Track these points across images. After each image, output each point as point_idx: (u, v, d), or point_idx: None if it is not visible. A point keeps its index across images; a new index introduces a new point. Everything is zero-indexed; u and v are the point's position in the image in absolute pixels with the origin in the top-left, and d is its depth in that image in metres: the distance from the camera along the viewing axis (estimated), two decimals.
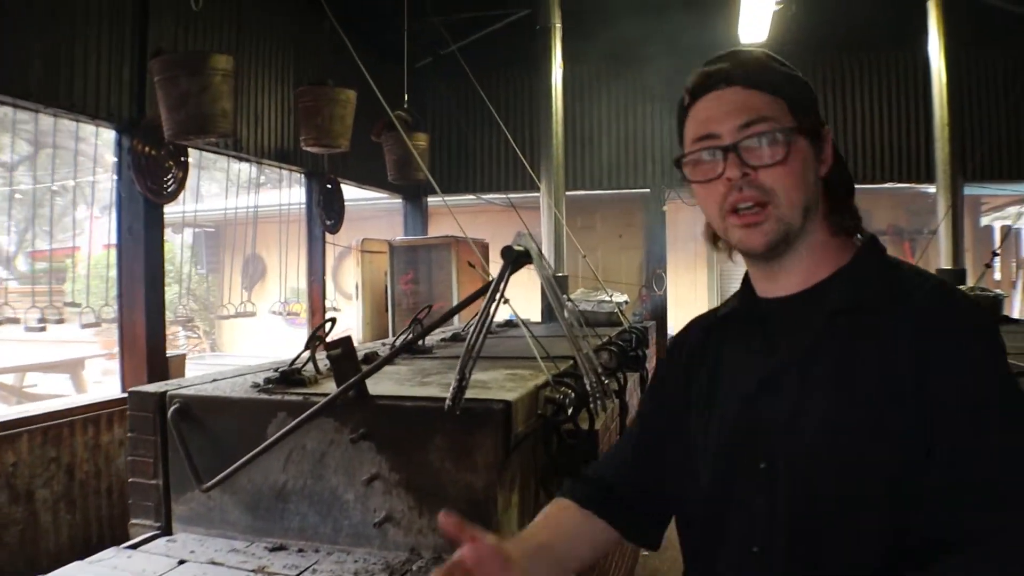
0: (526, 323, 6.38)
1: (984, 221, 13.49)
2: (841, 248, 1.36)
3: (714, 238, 1.43)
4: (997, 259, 8.28)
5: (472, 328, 2.47)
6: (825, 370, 1.25)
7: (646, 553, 5.22)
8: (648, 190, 8.96)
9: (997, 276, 10.74)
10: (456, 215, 9.85)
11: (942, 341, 1.17)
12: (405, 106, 6.32)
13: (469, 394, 2.80)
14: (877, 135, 8.66)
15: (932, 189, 9.42)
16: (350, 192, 8.05)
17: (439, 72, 8.34)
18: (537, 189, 7.08)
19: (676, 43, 8.32)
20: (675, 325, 10.28)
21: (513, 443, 2.71)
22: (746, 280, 1.47)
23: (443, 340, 5.16)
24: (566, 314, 2.74)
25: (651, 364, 6.84)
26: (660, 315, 8.89)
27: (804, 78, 1.38)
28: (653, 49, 8.31)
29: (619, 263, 10.07)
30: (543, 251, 6.91)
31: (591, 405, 2.77)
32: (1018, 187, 9.70)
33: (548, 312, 6.81)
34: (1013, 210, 11.04)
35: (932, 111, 6.95)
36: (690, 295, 12.72)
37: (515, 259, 2.42)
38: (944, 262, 6.89)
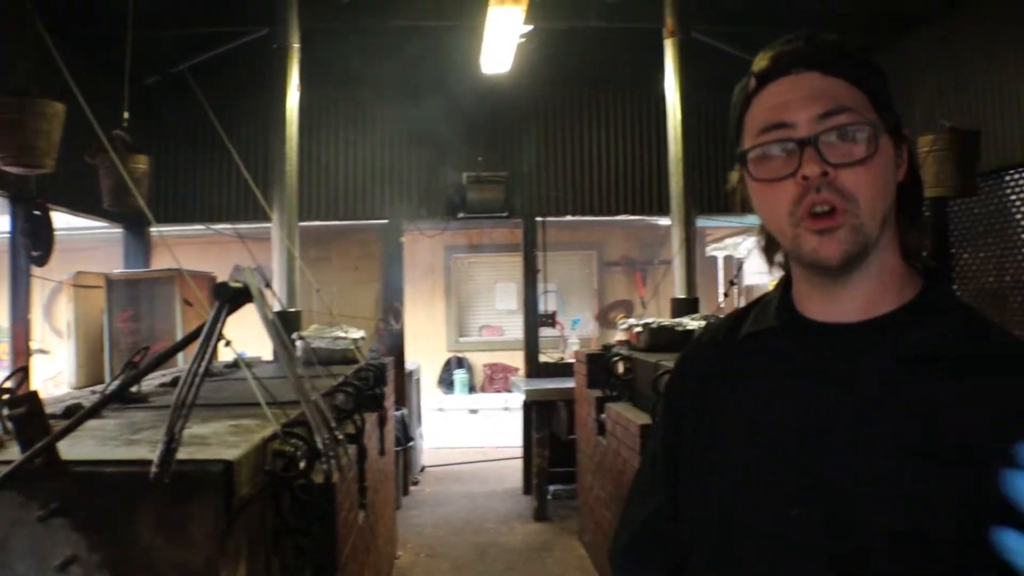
0: (250, 364, 5.98)
1: (708, 252, 14.46)
2: (908, 276, 1.17)
3: (768, 248, 1.25)
4: (733, 288, 8.77)
5: (184, 377, 2.14)
6: (891, 423, 1.06)
7: None
8: (386, 221, 8.75)
9: (721, 302, 11.45)
10: (185, 246, 9.22)
11: None
12: (124, 125, 5.74)
13: (183, 454, 2.46)
14: (614, 169, 8.96)
15: (664, 221, 9.94)
16: (64, 220, 7.28)
17: (171, 92, 7.74)
18: (270, 219, 6.69)
19: (417, 72, 8.26)
20: (413, 359, 10.14)
21: (236, 508, 2.39)
22: (785, 295, 1.25)
23: (162, 385, 4.69)
24: (294, 357, 2.46)
25: (389, 402, 6.65)
26: (398, 350, 8.68)
27: (885, 72, 1.19)
28: (394, 77, 8.18)
29: (355, 297, 9.81)
30: (274, 285, 6.55)
31: (324, 464, 2.50)
32: (739, 220, 10.39)
33: (280, 346, 6.42)
34: (730, 241, 11.89)
35: (667, 147, 7.23)
36: (428, 328, 12.67)
37: (232, 297, 2.12)
38: (678, 291, 7.18)
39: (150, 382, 4.82)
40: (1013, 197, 6.03)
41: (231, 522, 2.34)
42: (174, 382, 4.73)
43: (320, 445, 2.44)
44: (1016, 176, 5.97)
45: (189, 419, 2.96)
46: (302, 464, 2.72)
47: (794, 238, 1.11)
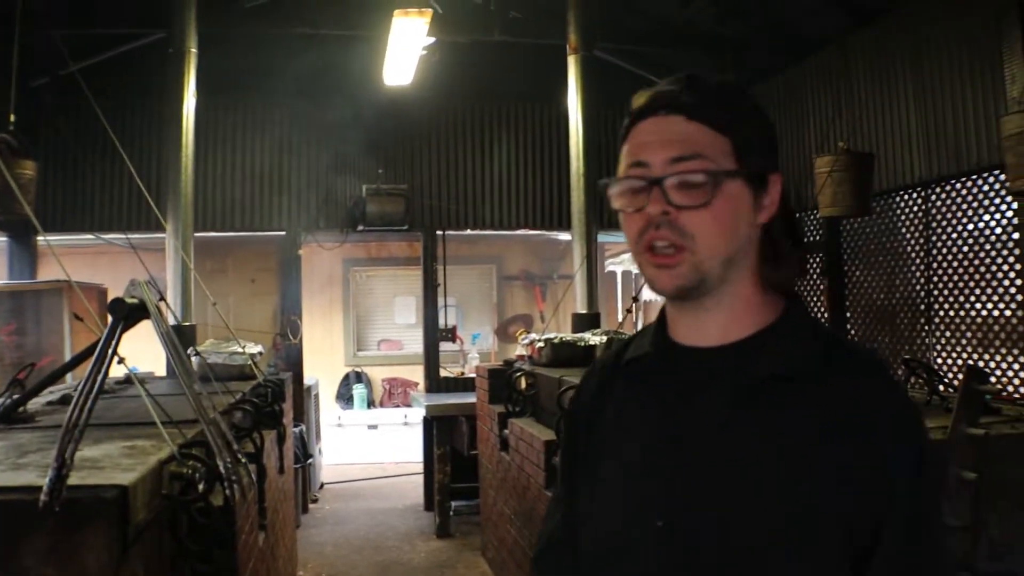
0: (144, 380, 5.76)
1: (607, 267, 14.61)
2: (765, 305, 1.26)
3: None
4: (636, 303, 8.86)
5: (76, 398, 2.02)
6: (743, 441, 1.17)
7: None
8: (283, 232, 8.57)
9: (621, 318, 11.57)
10: (75, 256, 8.83)
11: (882, 438, 1.13)
12: (10, 128, 5.47)
13: (74, 479, 2.33)
14: (516, 183, 8.98)
15: (563, 236, 9.99)
16: None
17: (63, 95, 7.42)
18: (164, 229, 6.46)
19: (319, 82, 8.13)
20: (311, 374, 9.95)
21: (133, 535, 2.28)
22: (661, 320, 1.35)
23: (50, 404, 4.45)
24: (192, 375, 2.36)
25: (288, 418, 6.48)
26: (296, 365, 8.49)
27: (767, 118, 1.27)
28: (294, 86, 8.03)
29: (253, 310, 9.57)
30: (168, 298, 6.32)
31: (225, 487, 2.40)
32: None
33: (175, 362, 6.20)
34: (628, 256, 12.00)
35: (569, 162, 7.27)
36: (326, 342, 12.46)
37: (128, 314, 2.01)
38: (580, 306, 7.22)
39: (37, 400, 4.58)
40: (903, 217, 6.25)
41: (126, 550, 2.22)
42: (63, 400, 4.49)
43: (221, 467, 2.33)
44: (905, 197, 6.19)
45: (81, 440, 2.82)
46: (201, 487, 2.61)
47: (639, 265, 1.23)
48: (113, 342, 2.02)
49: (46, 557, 2.11)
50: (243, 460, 2.44)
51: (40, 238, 8.26)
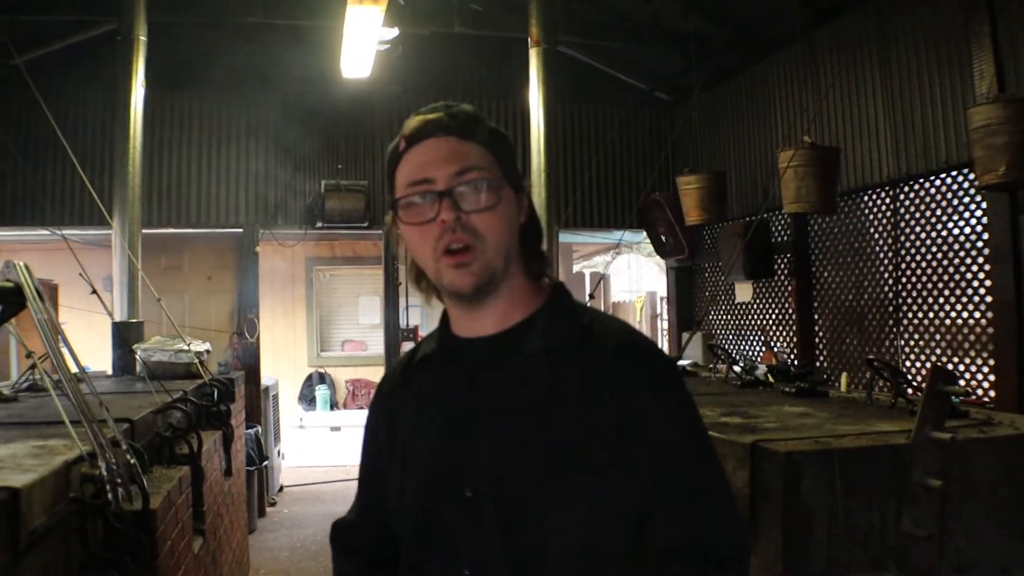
0: (79, 379, 5.54)
1: (576, 268, 14.46)
2: (534, 292, 1.46)
3: (417, 279, 1.48)
4: (592, 302, 8.70)
5: None
6: (525, 407, 1.35)
7: None
8: (241, 230, 8.33)
9: None
10: (28, 251, 8.57)
11: (641, 392, 1.32)
12: None
13: None
14: None
15: None
16: None
17: (14, 85, 7.16)
18: (110, 224, 6.23)
19: (275, 73, 7.93)
20: (272, 374, 9.73)
21: (26, 543, 2.09)
22: (444, 322, 1.52)
23: None
24: (69, 369, 2.17)
25: (239, 419, 6.27)
26: (252, 364, 8.26)
27: (509, 138, 1.49)
28: (249, 78, 7.83)
29: (209, 308, 9.33)
30: (115, 294, 6.11)
31: (110, 494, 2.21)
32: (605, 236, 10.38)
33: (121, 362, 5.99)
34: (600, 259, 11.89)
35: (530, 159, 7.09)
36: (288, 341, 12.24)
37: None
38: None
39: None
40: (871, 217, 6.14)
41: (17, 557, 2.04)
42: None
43: (103, 470, 2.15)
44: (873, 196, 6.08)
45: None
46: (132, 484, 2.43)
47: (436, 272, 1.38)
48: None
49: None
50: (133, 462, 2.25)
51: None
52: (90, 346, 8.95)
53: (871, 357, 4.91)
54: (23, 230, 8.16)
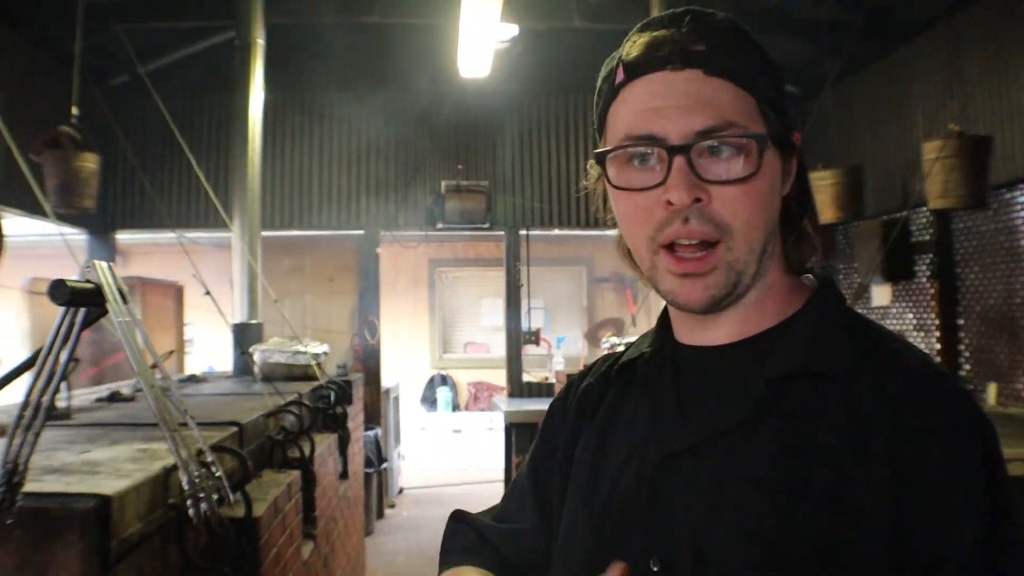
0: (202, 379, 5.60)
1: None
2: (791, 291, 1.03)
3: (630, 257, 1.04)
4: None
5: (28, 399, 1.76)
6: (755, 456, 0.91)
7: None
8: (363, 231, 8.37)
9: None
10: (156, 254, 8.82)
11: (932, 452, 0.85)
12: (73, 122, 5.39)
13: (58, 484, 2.11)
14: None
15: None
16: (28, 226, 6.92)
17: (140, 92, 7.38)
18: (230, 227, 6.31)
19: (393, 74, 7.93)
20: (394, 376, 9.75)
21: (117, 551, 2.02)
22: (664, 317, 1.11)
23: (99, 400, 4.31)
24: (152, 374, 2.08)
25: (357, 421, 6.25)
26: (372, 365, 8.28)
27: (775, 60, 0.98)
28: (368, 79, 7.84)
29: (330, 309, 9.42)
30: (235, 297, 6.17)
31: (190, 507, 2.11)
32: None
33: (240, 363, 6.04)
34: None
35: None
36: (411, 343, 12.31)
37: (70, 300, 1.73)
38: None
39: (86, 397, 4.44)
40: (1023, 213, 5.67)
41: (109, 567, 1.96)
42: (112, 397, 4.35)
43: (185, 482, 2.05)
44: None
45: (97, 441, 2.59)
46: (215, 497, 2.34)
47: (651, 267, 0.97)
48: (60, 334, 1.73)
49: (13, 573, 1.87)
50: (218, 474, 2.15)
51: (126, 235, 8.29)
52: (218, 347, 9.17)
53: None
54: (151, 233, 8.38)
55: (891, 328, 7.44)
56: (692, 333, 1.04)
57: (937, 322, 6.56)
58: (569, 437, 1.16)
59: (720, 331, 1.01)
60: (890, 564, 0.84)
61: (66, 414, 3.61)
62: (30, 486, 1.97)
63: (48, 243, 9.50)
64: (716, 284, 0.94)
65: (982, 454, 0.86)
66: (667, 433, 0.99)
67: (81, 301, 1.74)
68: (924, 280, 6.79)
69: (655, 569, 0.93)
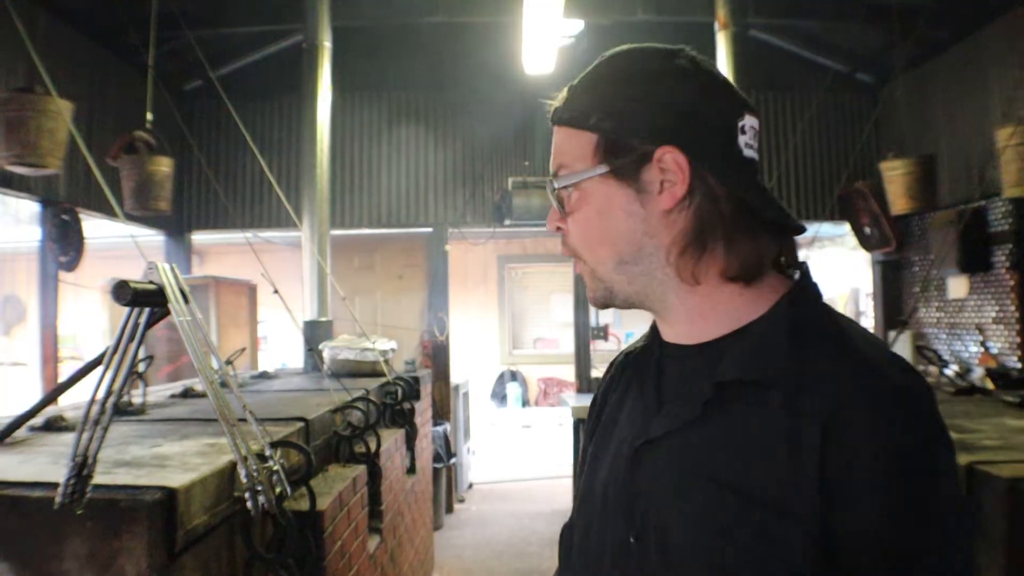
0: (273, 375, 5.71)
1: None
2: (748, 297, 1.07)
3: None
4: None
5: (96, 394, 1.82)
6: (708, 453, 1.00)
7: None
8: (431, 229, 8.45)
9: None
10: (227, 254, 9.03)
11: (859, 462, 0.90)
12: (148, 127, 5.55)
13: (128, 477, 2.19)
14: None
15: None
16: (107, 228, 7.15)
17: (212, 96, 7.59)
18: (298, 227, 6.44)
19: (461, 72, 7.97)
20: (465, 372, 9.82)
21: (183, 542, 2.08)
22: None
23: (173, 396, 4.44)
24: (210, 368, 2.13)
25: (425, 417, 6.32)
26: (442, 361, 8.36)
27: (666, 82, 1.06)
28: (432, 77, 7.91)
29: (400, 306, 9.51)
30: (304, 295, 6.28)
31: (248, 500, 2.17)
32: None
33: (311, 360, 6.16)
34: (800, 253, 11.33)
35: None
36: (481, 339, 12.37)
37: (132, 300, 1.79)
38: None
39: (160, 393, 4.58)
40: None
41: (174, 558, 2.03)
42: (185, 393, 4.48)
43: (243, 476, 2.10)
44: None
45: (168, 435, 2.68)
46: (278, 490, 2.40)
47: None
48: (127, 333, 1.79)
49: (86, 562, 1.95)
50: (276, 468, 2.20)
51: (200, 235, 8.50)
52: (292, 344, 9.31)
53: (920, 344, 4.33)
54: (226, 233, 8.58)
55: (923, 322, 7.16)
56: (663, 331, 1.16)
57: (1017, 315, 6.37)
58: (592, 426, 1.29)
59: (672, 331, 1.13)
60: (818, 563, 0.90)
61: (141, 410, 3.73)
62: (101, 479, 2.05)
63: (127, 244, 9.78)
64: (592, 288, 1.14)
65: (916, 465, 0.90)
66: (644, 423, 1.10)
67: (143, 301, 1.81)
68: (1003, 271, 6.60)
69: (632, 542, 1.05)
